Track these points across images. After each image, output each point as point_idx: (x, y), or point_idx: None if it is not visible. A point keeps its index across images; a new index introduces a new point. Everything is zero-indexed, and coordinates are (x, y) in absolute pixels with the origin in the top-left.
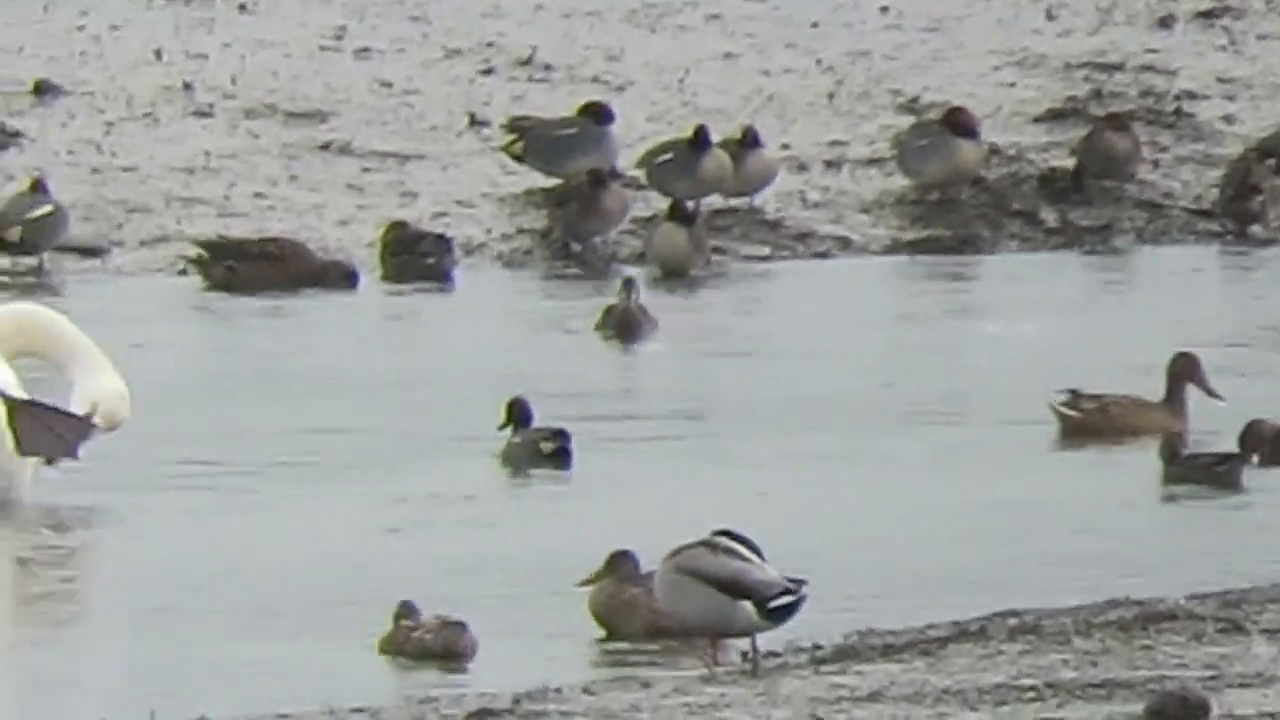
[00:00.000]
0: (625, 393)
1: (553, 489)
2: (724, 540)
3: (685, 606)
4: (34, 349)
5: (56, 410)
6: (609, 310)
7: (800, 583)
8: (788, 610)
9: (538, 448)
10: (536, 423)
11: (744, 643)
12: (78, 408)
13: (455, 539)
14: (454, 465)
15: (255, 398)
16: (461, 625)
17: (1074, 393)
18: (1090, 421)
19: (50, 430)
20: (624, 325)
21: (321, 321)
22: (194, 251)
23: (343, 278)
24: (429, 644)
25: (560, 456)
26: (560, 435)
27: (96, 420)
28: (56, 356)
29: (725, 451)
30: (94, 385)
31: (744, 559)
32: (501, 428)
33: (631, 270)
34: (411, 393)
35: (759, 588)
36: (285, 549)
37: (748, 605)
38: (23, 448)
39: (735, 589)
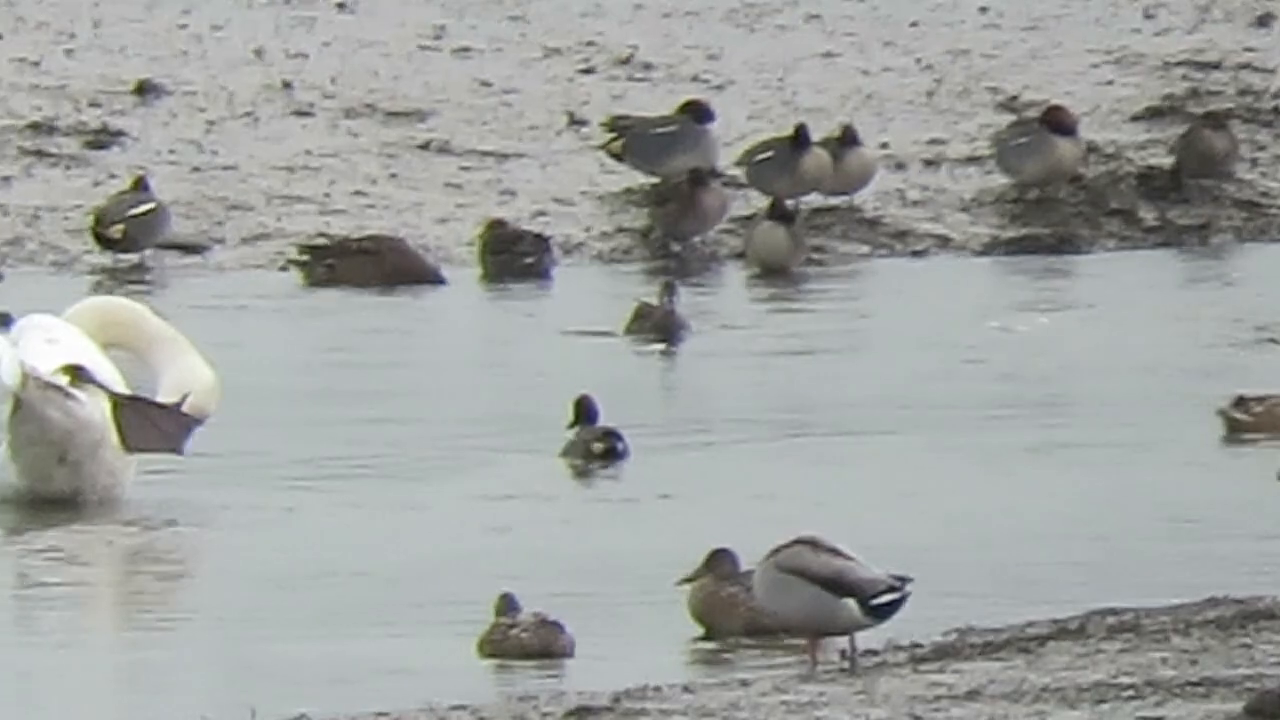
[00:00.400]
0: (718, 391)
1: (642, 488)
2: (825, 538)
3: (788, 604)
4: (120, 341)
5: (162, 405)
6: (643, 313)
7: (905, 580)
8: (891, 608)
9: (589, 447)
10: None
11: (842, 641)
12: (166, 398)
13: (548, 538)
14: (543, 464)
15: (353, 395)
16: (558, 624)
17: (1241, 397)
18: (1260, 423)
19: (156, 426)
20: (663, 328)
21: (419, 319)
22: (295, 253)
23: (433, 276)
24: (526, 642)
25: (610, 456)
26: (611, 435)
27: (185, 409)
28: (141, 347)
29: (822, 449)
30: (181, 375)
31: (846, 556)
32: (571, 426)
33: (734, 264)
34: (506, 390)
35: (863, 585)
36: (380, 547)
37: (851, 603)
38: (128, 444)
39: (839, 586)
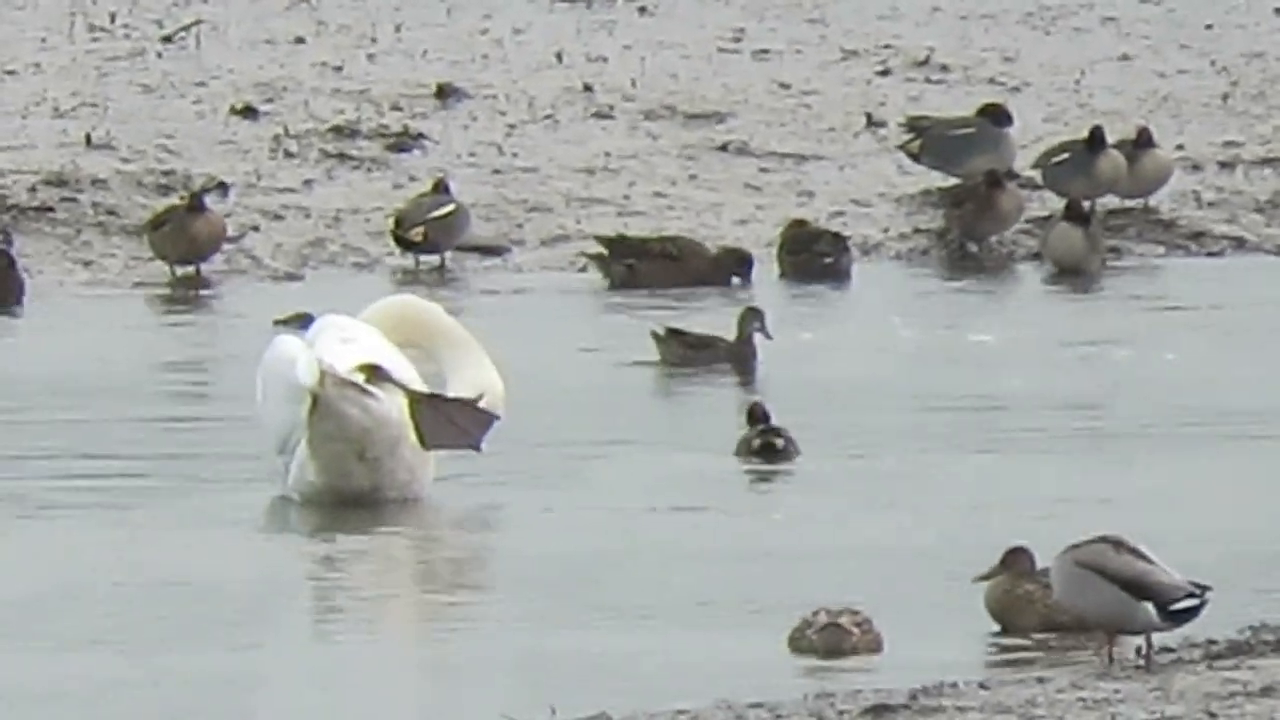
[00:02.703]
0: (1008, 393)
1: (934, 487)
2: (1128, 538)
3: (1085, 602)
4: (413, 340)
5: (459, 402)
6: (693, 343)
7: (1204, 588)
8: (1189, 613)
9: (749, 444)
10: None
11: (1139, 638)
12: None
13: (839, 535)
14: (831, 465)
15: (646, 395)
16: (849, 626)
17: None
18: None
19: (453, 423)
20: (737, 359)
21: (715, 319)
22: (595, 249)
23: (738, 264)
24: (816, 643)
25: (767, 451)
26: (770, 431)
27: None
28: (434, 347)
29: (1118, 448)
30: (473, 377)
31: (1147, 559)
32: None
33: (1030, 264)
34: (797, 389)
35: (1162, 590)
36: (662, 543)
37: (1149, 606)
38: (426, 441)
39: (1138, 589)
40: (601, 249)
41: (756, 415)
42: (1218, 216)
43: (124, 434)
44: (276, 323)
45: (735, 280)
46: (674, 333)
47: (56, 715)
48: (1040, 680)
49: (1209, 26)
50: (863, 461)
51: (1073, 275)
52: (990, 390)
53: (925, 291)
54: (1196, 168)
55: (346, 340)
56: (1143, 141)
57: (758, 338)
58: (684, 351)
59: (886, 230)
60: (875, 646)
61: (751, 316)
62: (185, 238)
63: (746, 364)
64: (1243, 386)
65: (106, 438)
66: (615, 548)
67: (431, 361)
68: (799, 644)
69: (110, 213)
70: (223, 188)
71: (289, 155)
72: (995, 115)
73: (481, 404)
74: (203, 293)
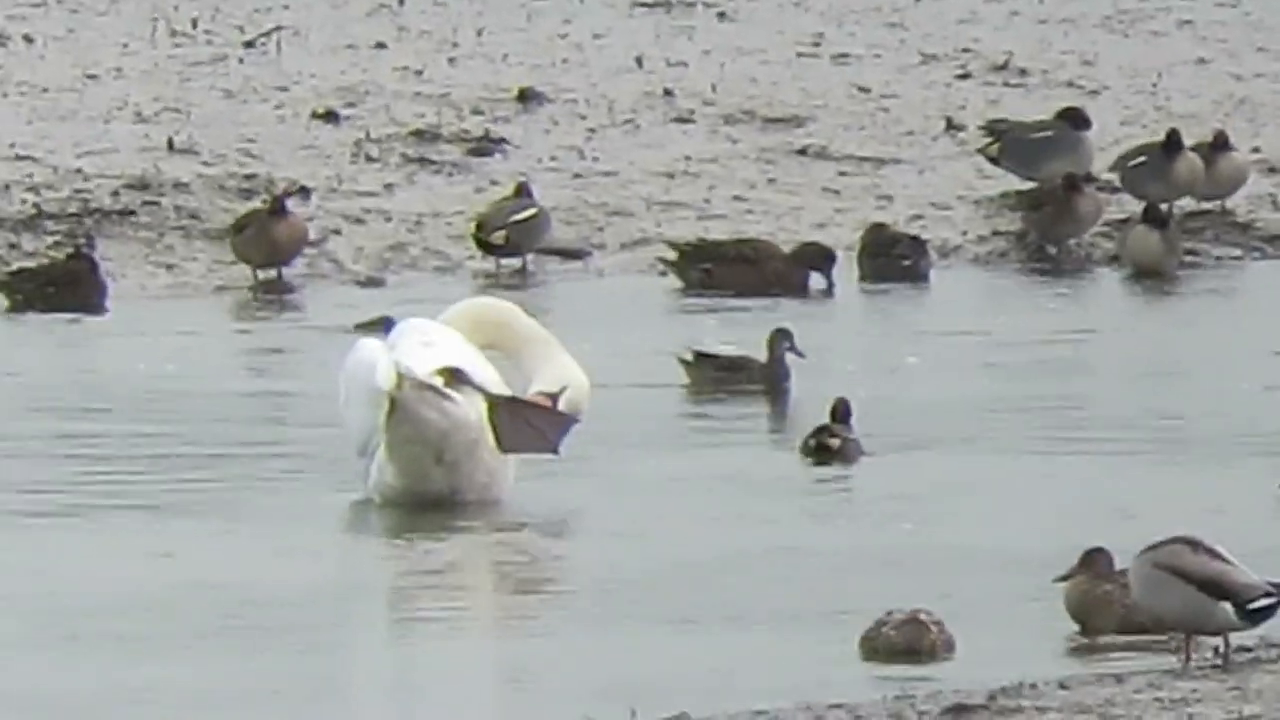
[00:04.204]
0: (1085, 396)
1: (1015, 489)
2: (1204, 539)
3: (1162, 602)
4: (494, 342)
5: (537, 406)
6: (725, 365)
7: None
8: (1267, 613)
9: (826, 443)
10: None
11: (1216, 638)
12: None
13: (920, 533)
14: (919, 460)
15: (723, 397)
16: (928, 623)
17: None
18: None
19: (531, 426)
20: (769, 380)
21: (790, 322)
22: (670, 254)
23: (819, 258)
24: (894, 640)
25: (824, 451)
26: (823, 430)
27: (560, 406)
28: (514, 348)
29: (1194, 452)
30: (556, 374)
31: (1224, 559)
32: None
33: (1108, 267)
34: (875, 390)
35: (1240, 589)
36: (741, 545)
37: (1227, 606)
38: (504, 445)
39: (1216, 589)
40: (675, 255)
41: (837, 412)
42: None
43: (206, 437)
44: (358, 326)
45: (816, 277)
46: (703, 356)
47: None
48: (1118, 679)
49: None
50: (940, 463)
51: (1150, 277)
52: (1067, 393)
53: (1004, 294)
54: (1273, 170)
55: (427, 344)
56: (1219, 144)
57: (790, 357)
58: (715, 374)
59: (965, 233)
60: (950, 647)
61: (781, 337)
62: (267, 241)
63: (778, 385)
64: None
65: (189, 441)
66: (691, 550)
67: (513, 363)
68: (873, 644)
69: (192, 216)
70: (304, 192)
71: (370, 159)
72: (1074, 119)
73: (562, 404)
74: (284, 297)
